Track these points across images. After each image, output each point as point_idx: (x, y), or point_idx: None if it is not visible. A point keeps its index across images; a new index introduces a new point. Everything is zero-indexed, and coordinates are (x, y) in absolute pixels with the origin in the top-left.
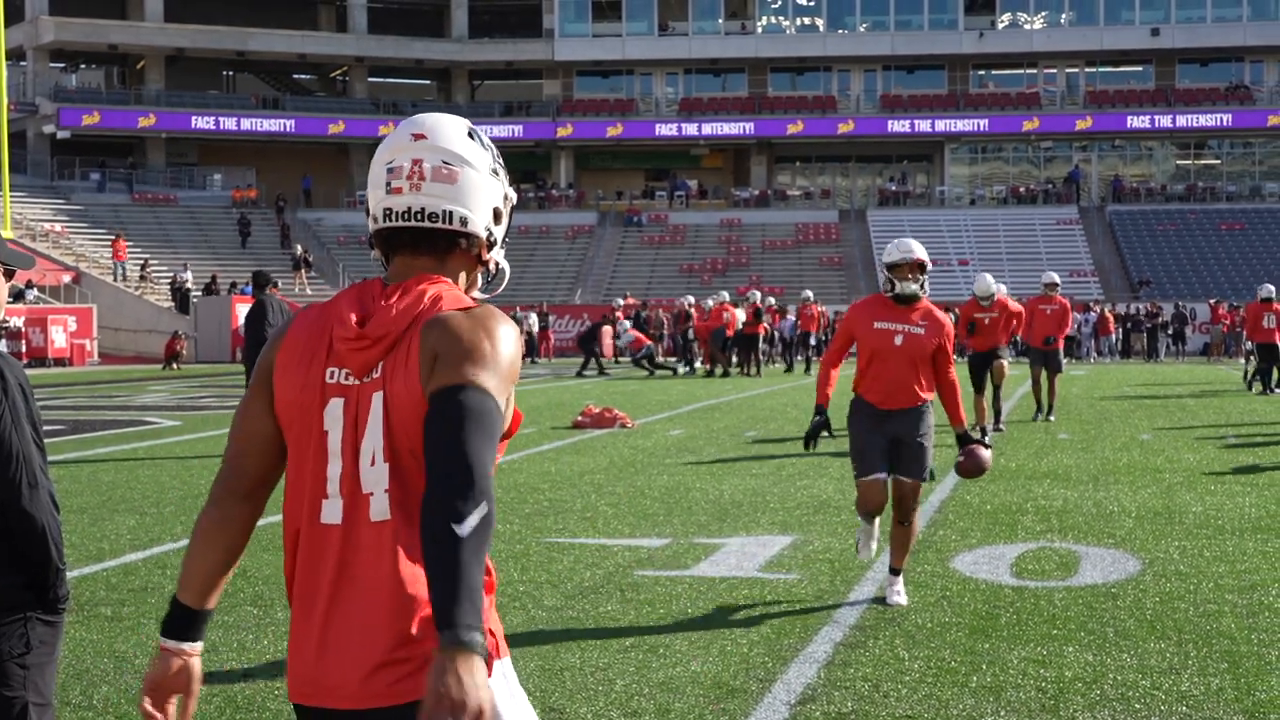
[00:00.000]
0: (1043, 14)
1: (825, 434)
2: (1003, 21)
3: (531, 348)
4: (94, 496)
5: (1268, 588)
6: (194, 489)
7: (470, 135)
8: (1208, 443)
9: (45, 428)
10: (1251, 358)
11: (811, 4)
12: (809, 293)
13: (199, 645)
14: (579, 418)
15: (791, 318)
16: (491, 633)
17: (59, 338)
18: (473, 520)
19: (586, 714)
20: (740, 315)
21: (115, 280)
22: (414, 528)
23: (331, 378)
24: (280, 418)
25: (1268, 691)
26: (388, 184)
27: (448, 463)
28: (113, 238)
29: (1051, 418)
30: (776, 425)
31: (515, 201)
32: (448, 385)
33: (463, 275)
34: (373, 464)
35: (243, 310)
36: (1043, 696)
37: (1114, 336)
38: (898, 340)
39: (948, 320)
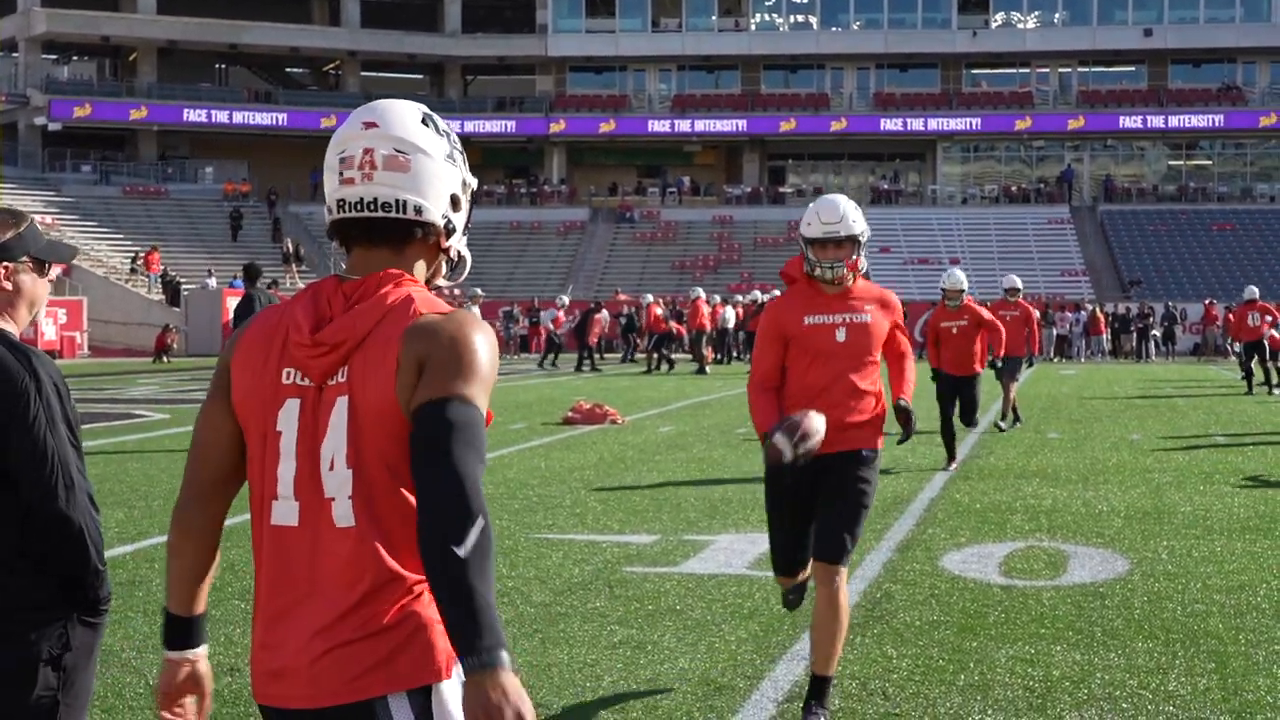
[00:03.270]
0: (1036, 14)
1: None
2: (996, 21)
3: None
4: None
5: (1255, 588)
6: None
7: (425, 121)
8: (1197, 443)
9: None
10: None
11: (805, 2)
12: None
13: (202, 649)
14: (569, 414)
15: None
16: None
17: (49, 330)
18: (472, 538)
19: (574, 711)
20: (730, 313)
21: (148, 292)
22: (380, 534)
23: (288, 378)
24: (239, 416)
25: (1254, 692)
26: (340, 174)
27: (438, 482)
28: (147, 249)
29: (1002, 425)
30: None
31: (475, 187)
32: (432, 399)
33: (422, 265)
34: (332, 468)
35: (234, 304)
36: (1030, 695)
37: (1105, 337)
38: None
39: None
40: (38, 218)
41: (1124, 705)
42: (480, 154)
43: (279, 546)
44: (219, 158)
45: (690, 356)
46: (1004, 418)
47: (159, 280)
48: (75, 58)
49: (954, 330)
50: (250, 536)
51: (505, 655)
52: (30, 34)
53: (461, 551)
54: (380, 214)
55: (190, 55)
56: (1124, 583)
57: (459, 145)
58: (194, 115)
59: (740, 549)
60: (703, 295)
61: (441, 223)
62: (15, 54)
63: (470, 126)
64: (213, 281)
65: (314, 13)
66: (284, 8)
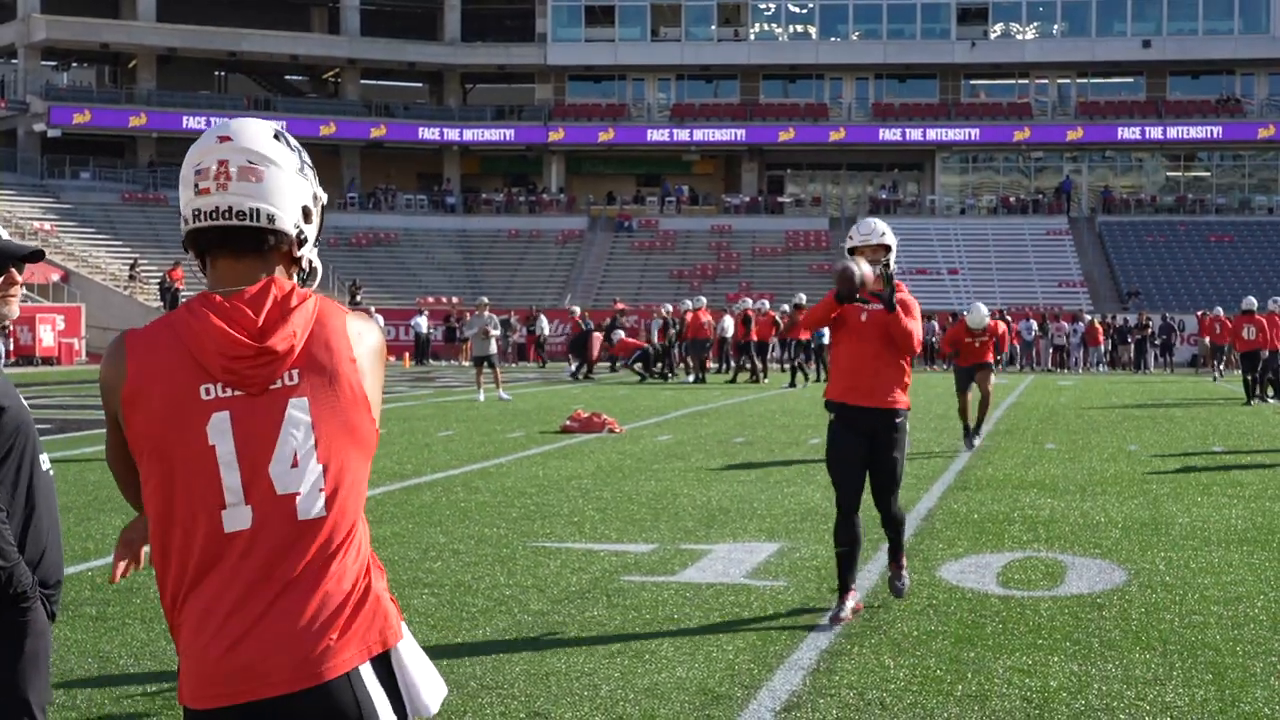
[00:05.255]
0: (1035, 24)
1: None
2: (995, 31)
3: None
4: (80, 496)
5: (1253, 599)
6: None
7: (276, 137)
8: (1195, 454)
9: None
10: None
11: (804, 12)
12: (802, 296)
13: None
14: (567, 422)
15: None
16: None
17: (47, 336)
18: None
19: (571, 719)
20: (729, 322)
21: (168, 309)
22: (346, 518)
23: (207, 394)
24: (133, 446)
25: (1252, 703)
26: (196, 185)
27: None
28: (172, 264)
29: (977, 442)
30: (765, 432)
31: (325, 201)
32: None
33: (280, 273)
34: (295, 465)
35: None
36: (1028, 706)
37: (1102, 347)
38: (863, 316)
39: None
40: (36, 224)
41: (1121, 716)
42: (479, 162)
43: (229, 552)
44: None
45: (684, 367)
46: (977, 432)
47: (158, 287)
48: (75, 64)
49: (863, 318)
50: (156, 557)
51: None
52: (30, 41)
53: None
54: (235, 222)
55: (189, 62)
56: (1121, 594)
57: (309, 162)
58: (193, 122)
59: (738, 558)
60: (705, 305)
61: (294, 232)
62: (15, 60)
63: (469, 135)
64: None
65: (313, 21)
66: (283, 15)
